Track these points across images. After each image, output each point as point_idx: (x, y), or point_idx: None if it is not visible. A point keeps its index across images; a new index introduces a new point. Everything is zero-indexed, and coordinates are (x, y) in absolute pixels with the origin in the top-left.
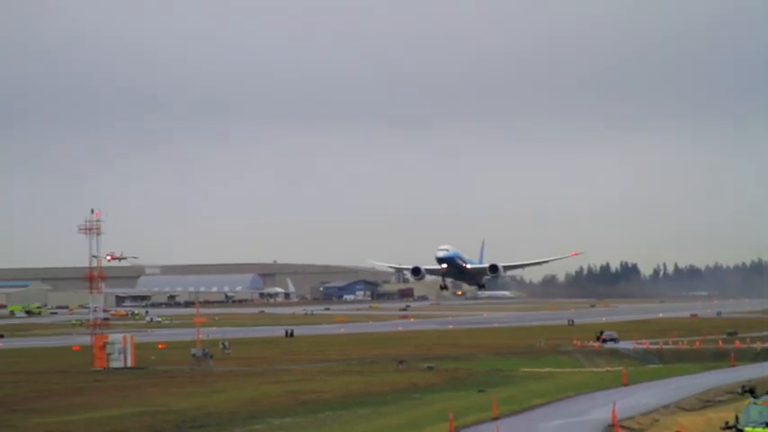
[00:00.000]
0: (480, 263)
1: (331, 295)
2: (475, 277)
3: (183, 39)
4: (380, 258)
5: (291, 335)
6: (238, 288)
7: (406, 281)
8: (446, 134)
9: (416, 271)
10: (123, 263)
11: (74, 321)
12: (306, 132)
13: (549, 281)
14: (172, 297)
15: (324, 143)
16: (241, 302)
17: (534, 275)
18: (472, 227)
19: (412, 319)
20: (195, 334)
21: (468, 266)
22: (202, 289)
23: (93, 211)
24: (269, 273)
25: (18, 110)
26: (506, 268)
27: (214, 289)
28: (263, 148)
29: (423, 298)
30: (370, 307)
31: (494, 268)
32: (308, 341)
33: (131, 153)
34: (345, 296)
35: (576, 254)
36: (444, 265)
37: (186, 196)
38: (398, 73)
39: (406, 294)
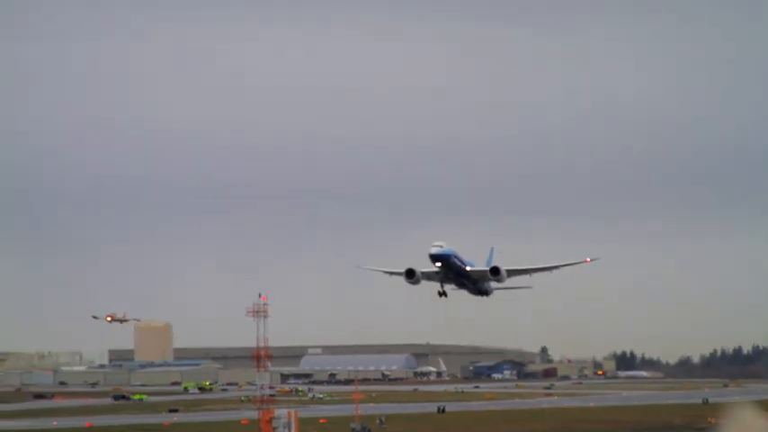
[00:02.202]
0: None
1: (480, 374)
2: (476, 282)
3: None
4: (373, 263)
5: (443, 411)
6: (394, 367)
7: (550, 361)
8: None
9: (410, 273)
10: (283, 343)
11: (242, 397)
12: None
13: (685, 362)
14: (332, 375)
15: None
16: (396, 380)
17: (670, 357)
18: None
19: (555, 397)
20: (354, 409)
21: (468, 268)
22: (360, 368)
23: (260, 296)
24: (422, 353)
25: (200, 198)
26: (510, 272)
27: (371, 368)
28: (417, 237)
29: (566, 378)
30: (517, 385)
31: (495, 271)
32: (459, 416)
33: (301, 238)
34: (493, 375)
35: (590, 260)
36: (439, 264)
37: (345, 282)
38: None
39: (549, 374)
